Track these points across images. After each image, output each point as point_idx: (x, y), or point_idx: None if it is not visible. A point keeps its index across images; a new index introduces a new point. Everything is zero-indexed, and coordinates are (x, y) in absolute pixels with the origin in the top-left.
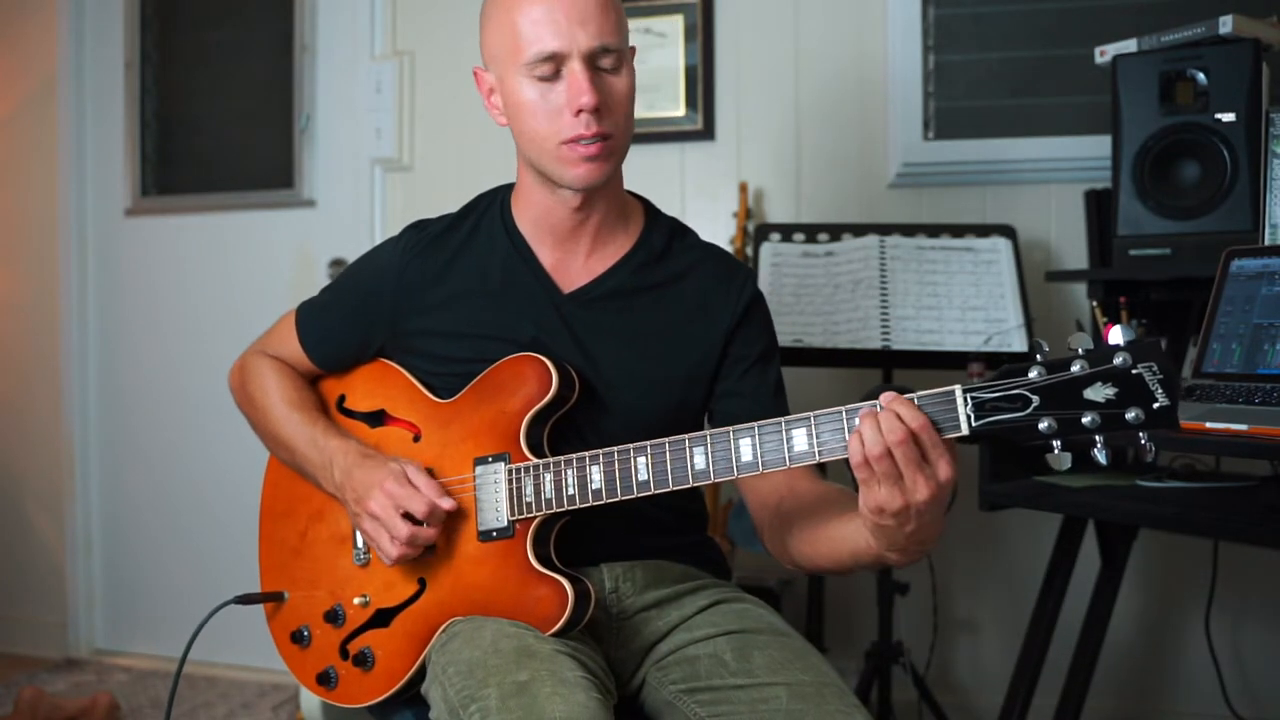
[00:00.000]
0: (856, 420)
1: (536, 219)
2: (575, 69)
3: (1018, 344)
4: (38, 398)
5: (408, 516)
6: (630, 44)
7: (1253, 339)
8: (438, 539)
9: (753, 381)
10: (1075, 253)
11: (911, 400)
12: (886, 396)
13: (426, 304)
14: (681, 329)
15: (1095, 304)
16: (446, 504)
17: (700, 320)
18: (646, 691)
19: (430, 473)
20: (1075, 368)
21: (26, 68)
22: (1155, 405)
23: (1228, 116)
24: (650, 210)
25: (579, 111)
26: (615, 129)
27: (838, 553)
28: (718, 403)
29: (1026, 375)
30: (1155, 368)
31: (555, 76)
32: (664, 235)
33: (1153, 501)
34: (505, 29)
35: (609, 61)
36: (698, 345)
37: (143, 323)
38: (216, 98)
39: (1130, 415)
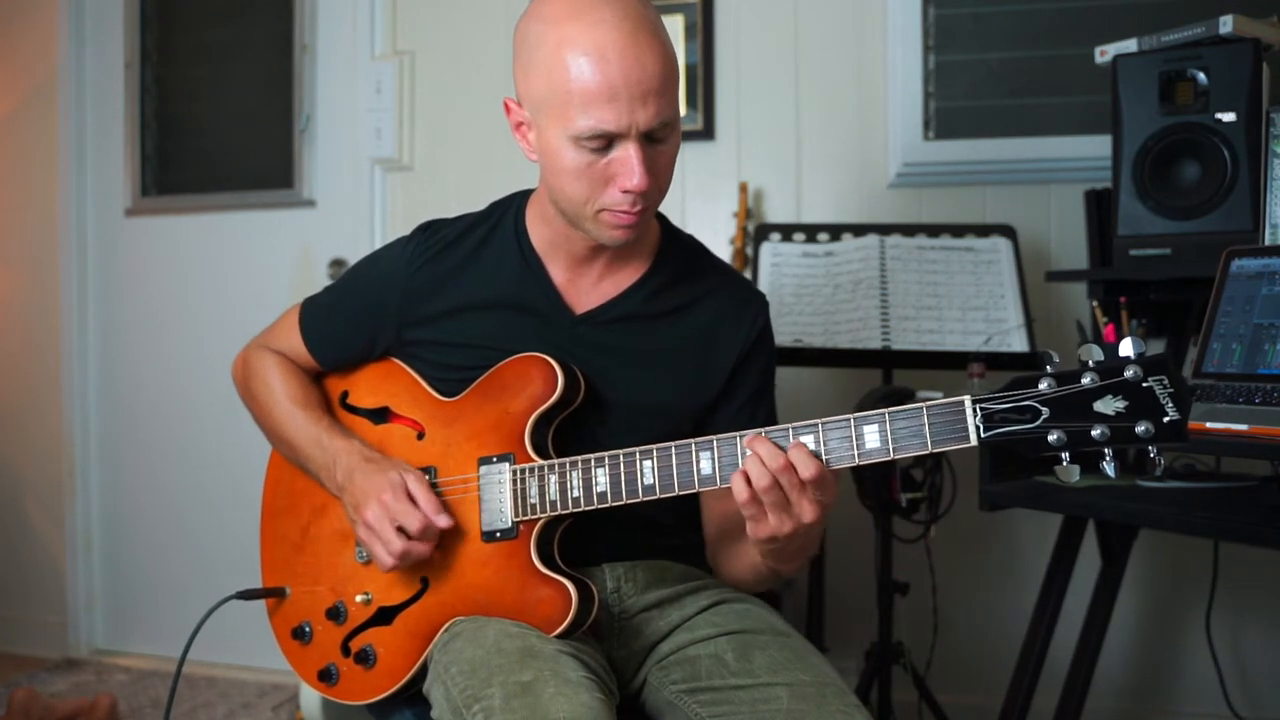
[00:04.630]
0: (864, 428)
1: (553, 240)
2: (629, 148)
3: (1018, 344)
4: (38, 398)
5: (404, 531)
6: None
7: (1253, 339)
8: (442, 535)
9: (745, 417)
10: (1075, 253)
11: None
12: (747, 438)
13: (432, 313)
14: (690, 354)
15: (1095, 304)
16: (443, 522)
17: (710, 347)
18: (648, 691)
19: (434, 471)
20: (1085, 380)
21: (26, 68)
22: (1165, 419)
23: (1228, 116)
24: (666, 229)
25: (625, 191)
26: (657, 195)
27: (743, 569)
28: (710, 428)
29: (1036, 387)
30: (1166, 381)
31: (605, 150)
32: (679, 257)
33: (1153, 501)
34: (554, 82)
35: (663, 133)
36: (705, 371)
37: (143, 323)
38: (216, 98)
39: (1140, 429)
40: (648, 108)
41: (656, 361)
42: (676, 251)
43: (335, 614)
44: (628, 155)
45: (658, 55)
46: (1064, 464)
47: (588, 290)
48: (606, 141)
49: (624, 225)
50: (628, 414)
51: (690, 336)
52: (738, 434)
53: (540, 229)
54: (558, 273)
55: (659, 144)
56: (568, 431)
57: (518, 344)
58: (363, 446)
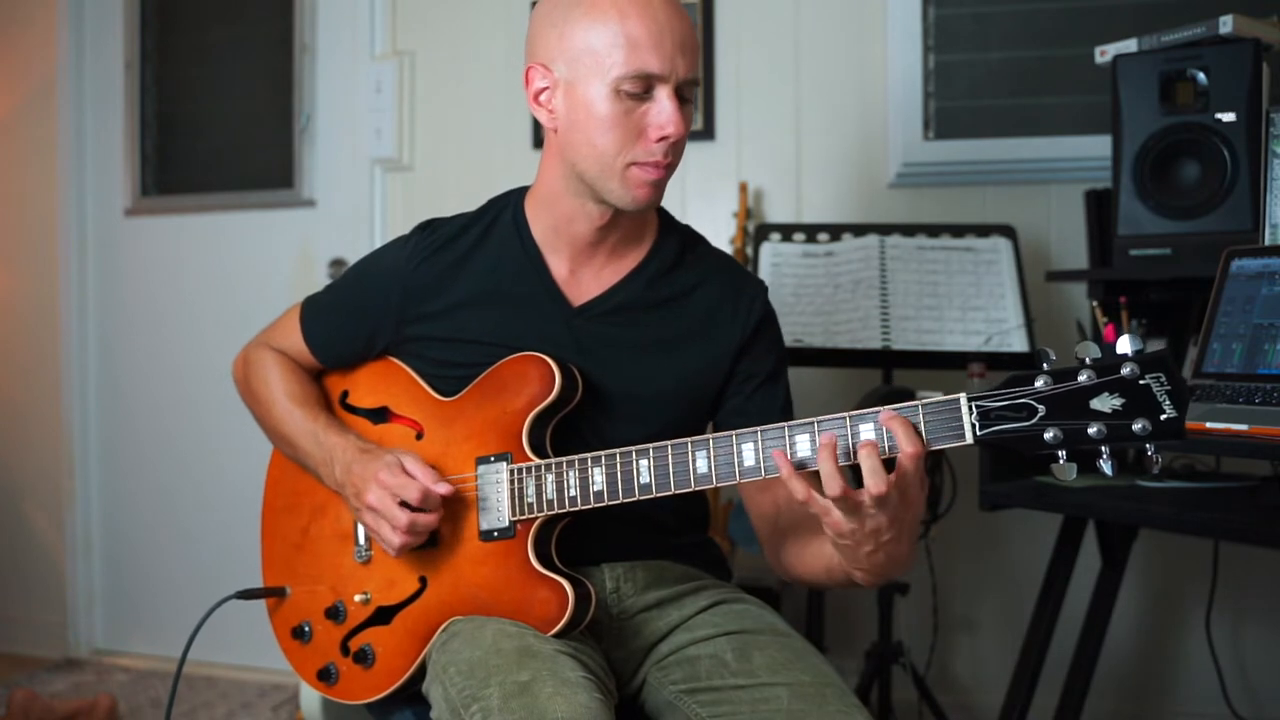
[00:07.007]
0: (860, 426)
1: (555, 227)
2: (667, 96)
3: (1018, 344)
4: (38, 398)
5: (406, 505)
6: None
7: (1253, 339)
8: (440, 534)
9: (760, 402)
10: (1075, 253)
11: (907, 421)
12: (885, 416)
13: (432, 310)
14: (689, 343)
15: (1095, 304)
16: (442, 489)
17: (708, 335)
18: (647, 692)
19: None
20: (1082, 377)
21: (26, 68)
22: (1163, 417)
23: (1228, 116)
24: (664, 219)
25: (660, 139)
26: (680, 153)
27: (815, 567)
28: (725, 419)
29: (1033, 384)
30: (1163, 378)
31: (643, 97)
32: (676, 247)
33: (1153, 501)
34: (597, 32)
35: (690, 93)
36: (704, 359)
37: (143, 323)
38: (216, 98)
39: (1137, 427)
40: (685, 59)
41: (656, 350)
42: (674, 240)
43: (334, 613)
44: (664, 103)
45: (688, 20)
46: (1061, 462)
47: (588, 281)
48: (646, 87)
49: (650, 181)
50: (630, 404)
51: (689, 324)
52: (733, 432)
53: (542, 218)
54: (559, 264)
55: (686, 104)
56: (571, 426)
57: (516, 340)
58: (358, 440)
